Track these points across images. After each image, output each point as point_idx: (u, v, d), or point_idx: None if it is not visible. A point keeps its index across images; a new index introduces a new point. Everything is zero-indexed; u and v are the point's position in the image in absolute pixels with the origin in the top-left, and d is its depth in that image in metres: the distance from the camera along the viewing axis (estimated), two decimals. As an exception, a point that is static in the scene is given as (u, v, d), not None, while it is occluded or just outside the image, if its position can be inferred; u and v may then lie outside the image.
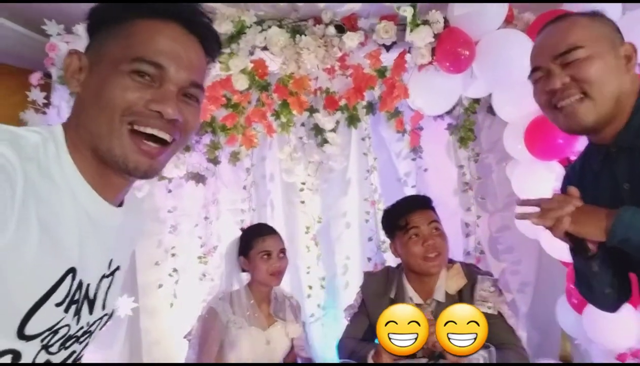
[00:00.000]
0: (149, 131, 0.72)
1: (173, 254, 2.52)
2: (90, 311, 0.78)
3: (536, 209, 1.05)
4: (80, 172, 0.71)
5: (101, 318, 0.83)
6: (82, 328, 0.77)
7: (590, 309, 2.09)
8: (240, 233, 1.98)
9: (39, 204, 0.64)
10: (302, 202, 2.58)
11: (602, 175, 1.11)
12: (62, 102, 2.13)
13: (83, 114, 0.73)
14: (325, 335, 2.56)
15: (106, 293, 0.82)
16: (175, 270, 2.52)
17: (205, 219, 2.53)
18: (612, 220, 0.95)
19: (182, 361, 1.85)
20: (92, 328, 0.81)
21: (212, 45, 0.82)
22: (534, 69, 1.09)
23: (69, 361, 0.78)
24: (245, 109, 2.29)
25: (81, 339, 0.78)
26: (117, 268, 0.84)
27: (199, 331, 1.75)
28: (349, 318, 1.83)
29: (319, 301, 2.58)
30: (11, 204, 0.60)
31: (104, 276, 0.80)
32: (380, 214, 2.63)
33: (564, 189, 1.24)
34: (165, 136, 0.74)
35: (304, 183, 2.57)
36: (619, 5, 1.99)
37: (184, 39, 0.76)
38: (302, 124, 2.52)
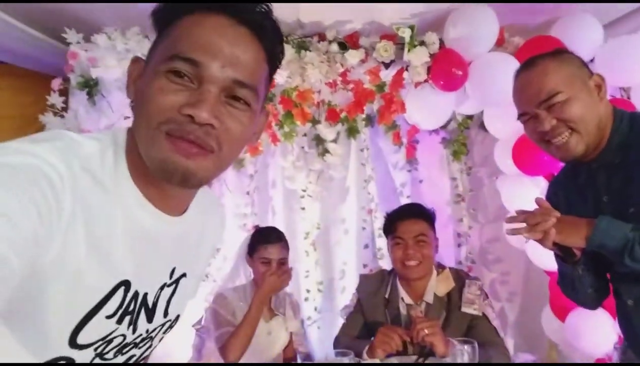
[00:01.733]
0: (182, 137, 0.64)
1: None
2: (150, 320, 0.75)
3: (523, 224, 1.17)
4: (135, 182, 0.68)
5: (163, 325, 0.80)
6: (140, 335, 0.75)
7: (572, 317, 2.22)
8: (244, 235, 2.10)
9: (88, 218, 0.61)
10: (303, 208, 2.70)
11: (586, 188, 1.25)
12: (80, 107, 2.25)
13: (133, 121, 0.69)
14: (322, 337, 2.67)
15: (168, 301, 0.79)
16: (178, 271, 2.61)
17: (209, 223, 2.64)
18: (590, 228, 1.09)
19: (189, 354, 1.97)
20: (152, 335, 0.79)
21: (269, 36, 0.70)
22: (522, 114, 1.24)
23: (129, 363, 0.78)
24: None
25: (140, 345, 0.77)
26: (183, 275, 0.80)
27: (210, 315, 1.86)
28: (345, 317, 1.95)
29: (316, 304, 2.69)
30: (57, 218, 0.57)
31: (165, 285, 0.77)
32: (377, 223, 2.77)
33: (548, 197, 1.38)
34: (199, 142, 0.64)
35: (304, 190, 2.69)
36: (600, 34, 2.15)
37: (229, 31, 0.66)
38: (304, 135, 2.65)
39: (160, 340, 0.83)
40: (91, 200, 0.62)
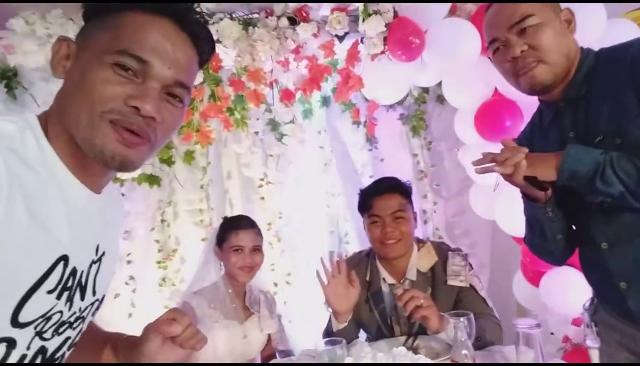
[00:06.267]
0: (126, 127, 0.71)
1: (129, 262, 2.39)
2: (82, 297, 0.78)
3: (491, 164, 1.12)
4: (61, 160, 0.71)
5: (92, 304, 0.83)
6: (74, 313, 0.77)
7: (547, 280, 2.21)
8: (201, 232, 1.92)
9: (24, 195, 0.63)
10: (262, 198, 2.55)
11: (551, 129, 1.23)
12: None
13: (64, 102, 0.72)
14: (294, 331, 2.52)
15: (95, 279, 0.81)
16: (132, 278, 2.39)
17: (162, 222, 2.42)
18: (560, 158, 1.06)
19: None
20: (84, 314, 0.80)
21: (204, 45, 0.80)
22: (492, 41, 1.19)
23: (64, 346, 0.78)
24: (199, 105, 2.22)
25: (74, 325, 0.78)
26: (104, 254, 0.83)
27: None
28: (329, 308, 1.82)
29: (285, 298, 2.54)
30: None
31: (92, 262, 0.80)
32: (340, 206, 2.66)
33: None
34: (142, 133, 0.72)
35: (262, 179, 2.54)
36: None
37: (173, 36, 0.74)
38: (257, 119, 2.48)
39: (87, 324, 0.84)
40: (22, 178, 0.64)
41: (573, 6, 1.31)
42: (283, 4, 2.21)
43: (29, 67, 1.96)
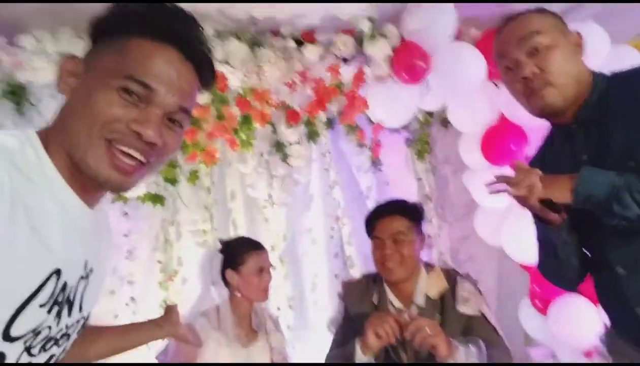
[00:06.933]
0: (125, 149, 0.72)
1: (130, 282, 2.34)
2: (69, 313, 0.77)
3: (504, 185, 1.11)
4: (60, 174, 0.72)
5: (78, 321, 0.82)
6: (61, 330, 0.76)
7: (555, 309, 2.16)
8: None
9: (25, 208, 0.64)
10: (266, 220, 2.51)
11: (563, 153, 1.21)
12: (6, 121, 1.98)
13: (66, 119, 0.73)
14: (297, 357, 2.46)
15: (82, 296, 0.81)
16: (132, 299, 2.34)
17: (165, 242, 2.39)
18: (574, 181, 1.04)
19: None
20: (69, 331, 0.80)
21: (207, 74, 0.83)
22: (500, 56, 1.21)
23: (49, 364, 0.77)
24: (206, 124, 2.22)
25: (60, 342, 0.78)
26: (92, 270, 0.83)
27: (175, 347, 1.61)
28: (334, 330, 1.76)
29: (287, 322, 2.49)
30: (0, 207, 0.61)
31: (81, 278, 0.79)
32: (344, 229, 2.63)
33: None
34: (141, 158, 0.74)
35: (266, 200, 2.51)
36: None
37: (178, 65, 0.76)
38: (263, 139, 2.48)
39: (70, 343, 0.83)
40: (23, 191, 0.65)
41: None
42: (290, 26, 2.24)
43: (38, 84, 1.97)
